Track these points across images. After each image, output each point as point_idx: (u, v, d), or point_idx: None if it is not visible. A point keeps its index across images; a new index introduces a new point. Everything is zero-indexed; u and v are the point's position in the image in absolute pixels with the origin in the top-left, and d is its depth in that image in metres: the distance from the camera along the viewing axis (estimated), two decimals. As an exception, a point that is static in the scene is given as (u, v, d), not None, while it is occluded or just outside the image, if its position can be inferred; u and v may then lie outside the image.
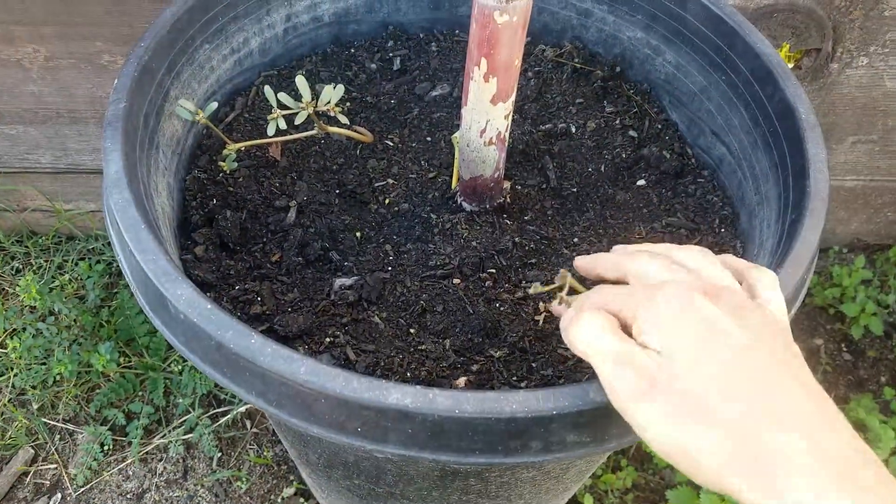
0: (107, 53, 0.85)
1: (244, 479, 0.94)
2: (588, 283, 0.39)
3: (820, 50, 0.85)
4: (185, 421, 0.96)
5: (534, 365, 0.45)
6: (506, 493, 0.57)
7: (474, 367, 0.45)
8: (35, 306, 1.00)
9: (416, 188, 0.57)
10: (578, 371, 0.44)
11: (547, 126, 0.62)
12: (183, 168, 0.54)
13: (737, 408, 0.28)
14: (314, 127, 0.51)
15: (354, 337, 0.46)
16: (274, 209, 0.54)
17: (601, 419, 0.34)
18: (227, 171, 0.54)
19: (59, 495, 0.93)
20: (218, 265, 0.49)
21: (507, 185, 0.56)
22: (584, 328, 0.33)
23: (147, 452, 0.96)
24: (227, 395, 0.99)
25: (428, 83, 0.66)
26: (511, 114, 0.48)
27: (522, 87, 0.64)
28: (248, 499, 0.93)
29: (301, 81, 0.48)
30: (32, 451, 0.95)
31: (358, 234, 0.54)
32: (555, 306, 0.40)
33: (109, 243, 1.10)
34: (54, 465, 0.95)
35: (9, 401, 0.97)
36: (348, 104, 0.63)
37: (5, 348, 0.99)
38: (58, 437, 0.97)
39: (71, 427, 0.97)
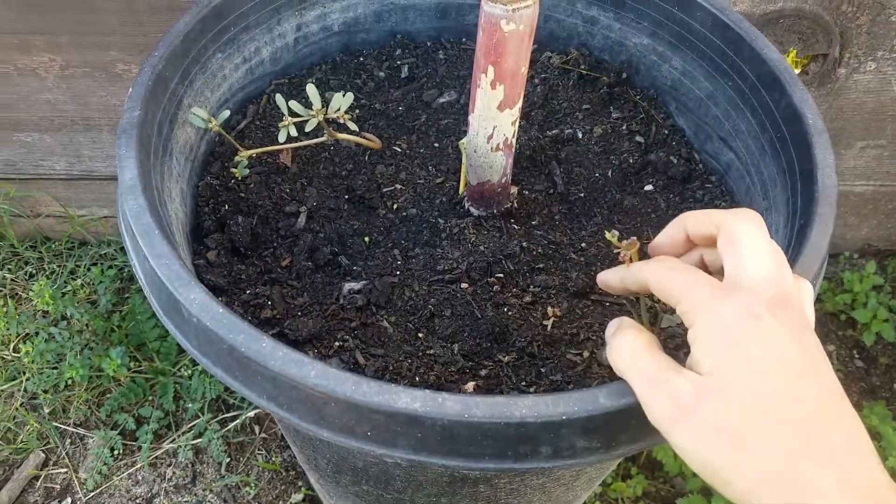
0: (121, 62, 0.87)
1: (252, 485, 0.94)
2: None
3: (827, 55, 0.85)
4: (194, 426, 0.97)
5: (542, 370, 0.45)
6: (515, 500, 0.57)
7: (483, 372, 0.45)
8: (48, 311, 1.01)
9: (424, 193, 0.58)
10: (588, 376, 0.44)
11: (554, 132, 0.62)
12: (195, 174, 0.55)
13: (776, 440, 0.28)
14: (324, 134, 0.52)
15: (363, 341, 0.47)
16: (284, 214, 0.55)
17: (611, 425, 0.34)
18: (239, 178, 0.55)
19: (69, 499, 0.94)
20: (229, 270, 0.50)
21: (514, 190, 0.56)
22: (622, 347, 0.33)
23: (156, 457, 0.96)
24: (235, 399, 1.00)
25: (435, 90, 0.66)
26: (518, 120, 0.49)
27: (529, 93, 0.65)
28: (256, 504, 0.94)
29: (311, 90, 0.49)
30: (43, 455, 0.96)
31: (366, 238, 0.54)
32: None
33: (121, 249, 1.11)
34: (65, 470, 0.96)
35: (21, 405, 0.99)
36: (357, 111, 0.64)
37: (18, 352, 1.00)
38: (69, 441, 0.98)
39: (82, 431, 0.98)
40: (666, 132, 0.63)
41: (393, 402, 0.33)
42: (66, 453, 0.97)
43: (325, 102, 0.50)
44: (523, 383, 0.44)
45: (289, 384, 0.35)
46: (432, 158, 0.61)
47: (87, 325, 1.00)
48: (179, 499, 0.94)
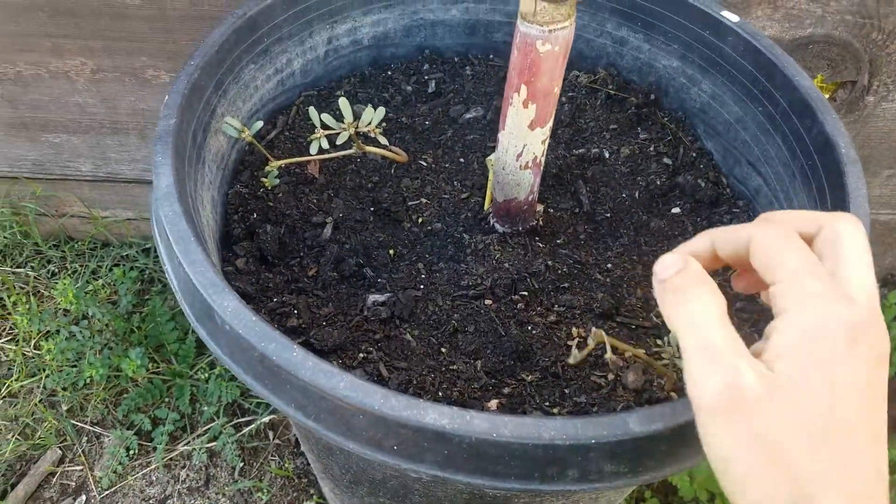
0: (151, 68, 0.89)
1: (265, 491, 0.95)
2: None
3: (855, 82, 0.85)
4: (209, 429, 0.98)
5: (566, 391, 0.45)
6: (530, 518, 0.57)
7: (506, 390, 0.45)
8: (69, 309, 1.03)
9: (449, 208, 0.58)
10: (612, 399, 0.44)
11: (580, 151, 0.63)
12: (226, 183, 0.56)
13: (811, 468, 0.27)
14: (352, 146, 0.53)
15: (387, 354, 0.47)
16: (311, 225, 0.55)
17: (640, 450, 0.34)
18: (269, 187, 0.56)
19: (83, 497, 0.94)
20: (257, 278, 0.50)
21: (539, 208, 0.56)
22: (692, 307, 0.29)
23: (171, 459, 0.97)
24: (251, 404, 1.00)
25: (462, 106, 0.67)
26: (548, 139, 0.49)
27: (556, 111, 0.65)
28: (266, 510, 0.94)
29: (344, 103, 0.50)
30: (60, 451, 0.97)
31: (391, 251, 0.55)
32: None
33: (143, 251, 1.13)
34: (80, 467, 0.97)
35: (39, 401, 1.00)
36: (384, 124, 0.64)
37: (39, 349, 1.02)
38: (85, 439, 0.99)
39: (98, 430, 0.99)
40: (694, 155, 0.63)
41: (421, 418, 0.33)
42: (83, 451, 0.98)
43: (355, 115, 0.50)
44: (546, 403, 0.44)
45: (318, 394, 0.35)
46: (458, 173, 0.61)
47: (107, 325, 1.01)
48: (192, 501, 0.94)
